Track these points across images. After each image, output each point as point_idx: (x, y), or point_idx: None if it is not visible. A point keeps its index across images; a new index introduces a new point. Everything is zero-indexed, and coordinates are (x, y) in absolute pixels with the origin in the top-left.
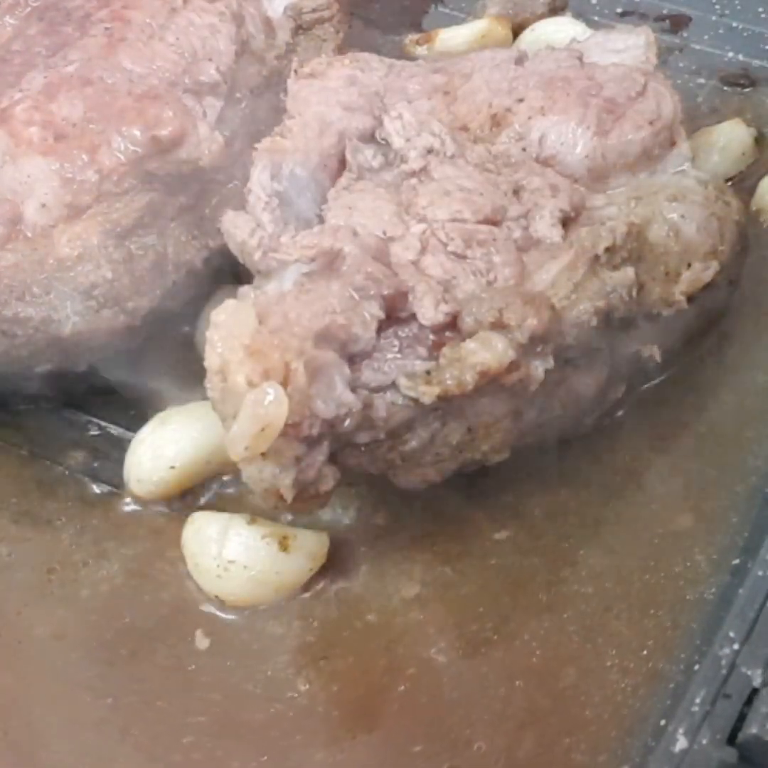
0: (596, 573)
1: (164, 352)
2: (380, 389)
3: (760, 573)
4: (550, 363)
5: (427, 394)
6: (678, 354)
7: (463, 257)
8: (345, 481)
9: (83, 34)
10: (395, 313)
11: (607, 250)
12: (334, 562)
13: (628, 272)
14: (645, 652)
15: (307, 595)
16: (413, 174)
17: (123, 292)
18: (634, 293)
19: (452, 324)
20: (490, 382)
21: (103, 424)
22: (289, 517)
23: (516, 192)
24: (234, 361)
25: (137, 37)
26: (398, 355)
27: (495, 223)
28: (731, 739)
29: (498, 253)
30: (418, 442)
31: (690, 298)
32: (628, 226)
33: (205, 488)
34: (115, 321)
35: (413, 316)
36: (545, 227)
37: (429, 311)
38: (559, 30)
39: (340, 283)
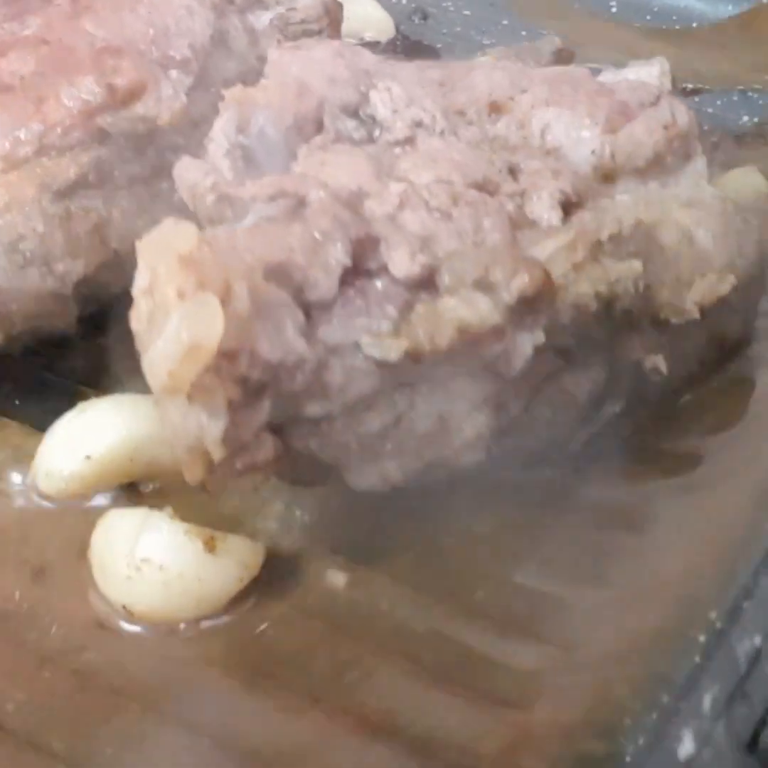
0: None
1: (98, 341)
2: (338, 350)
3: None
4: (541, 338)
5: (394, 348)
6: (683, 383)
7: (448, 216)
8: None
9: (46, 5)
10: (364, 263)
11: (612, 238)
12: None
13: (635, 265)
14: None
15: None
16: (397, 143)
17: (54, 251)
18: (640, 286)
19: (429, 281)
20: (468, 348)
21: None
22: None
23: (512, 171)
24: (164, 271)
25: (105, 6)
26: (364, 313)
27: (487, 192)
28: (751, 746)
29: (488, 215)
30: (379, 424)
31: (702, 313)
32: (637, 222)
33: (127, 493)
34: (41, 283)
35: (384, 269)
36: (543, 208)
37: (403, 261)
38: None
39: (303, 226)
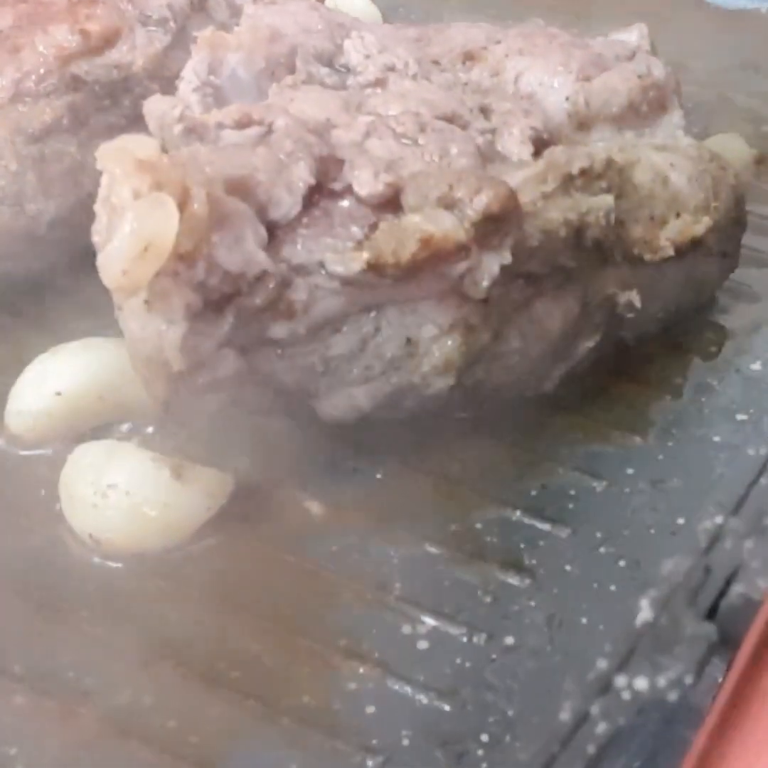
0: None
1: (72, 285)
2: (303, 269)
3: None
4: (508, 258)
5: (356, 260)
6: (658, 325)
7: (415, 142)
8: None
9: None
10: (328, 182)
11: (583, 172)
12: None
13: (607, 199)
14: None
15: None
16: (368, 85)
17: (26, 191)
18: (611, 219)
19: (394, 200)
20: (433, 266)
21: None
22: None
23: (483, 111)
24: (120, 174)
25: None
26: (328, 232)
27: (457, 126)
28: (710, 614)
29: (455, 142)
30: (346, 346)
31: (677, 252)
32: (609, 159)
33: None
34: (13, 222)
35: (349, 189)
36: (513, 144)
37: (367, 180)
38: None
39: (268, 148)
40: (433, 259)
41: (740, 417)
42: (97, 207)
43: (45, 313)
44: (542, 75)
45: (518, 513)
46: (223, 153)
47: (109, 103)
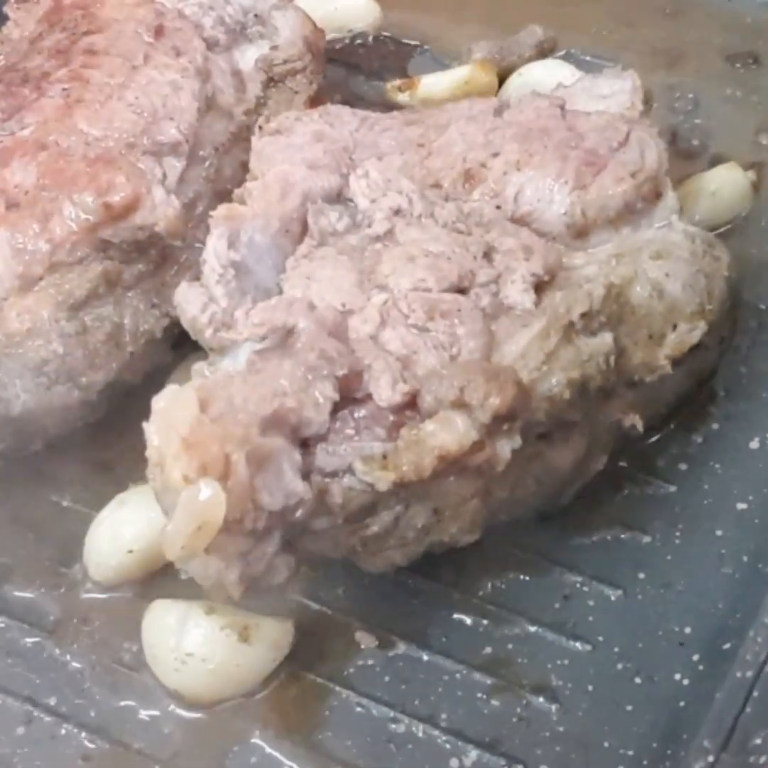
0: None
1: (127, 424)
2: (335, 474)
3: (738, 675)
4: (518, 442)
5: (383, 479)
6: (666, 418)
7: (425, 330)
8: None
9: (40, 96)
10: (351, 393)
11: (583, 315)
12: (300, 650)
13: (606, 338)
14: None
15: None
16: (378, 238)
17: (76, 367)
18: (612, 361)
19: (411, 403)
20: (451, 465)
21: (65, 503)
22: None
23: (487, 254)
24: (170, 456)
25: (95, 98)
26: (355, 437)
27: (462, 290)
28: None
29: (462, 324)
30: (380, 526)
31: (676, 362)
32: (607, 288)
33: (169, 571)
34: (68, 397)
35: (370, 396)
36: (517, 293)
37: (386, 391)
38: (548, 73)
39: (292, 362)
40: (451, 462)
41: (741, 506)
42: (150, 465)
43: (106, 458)
44: (540, 190)
45: (544, 630)
46: (252, 384)
47: (137, 255)
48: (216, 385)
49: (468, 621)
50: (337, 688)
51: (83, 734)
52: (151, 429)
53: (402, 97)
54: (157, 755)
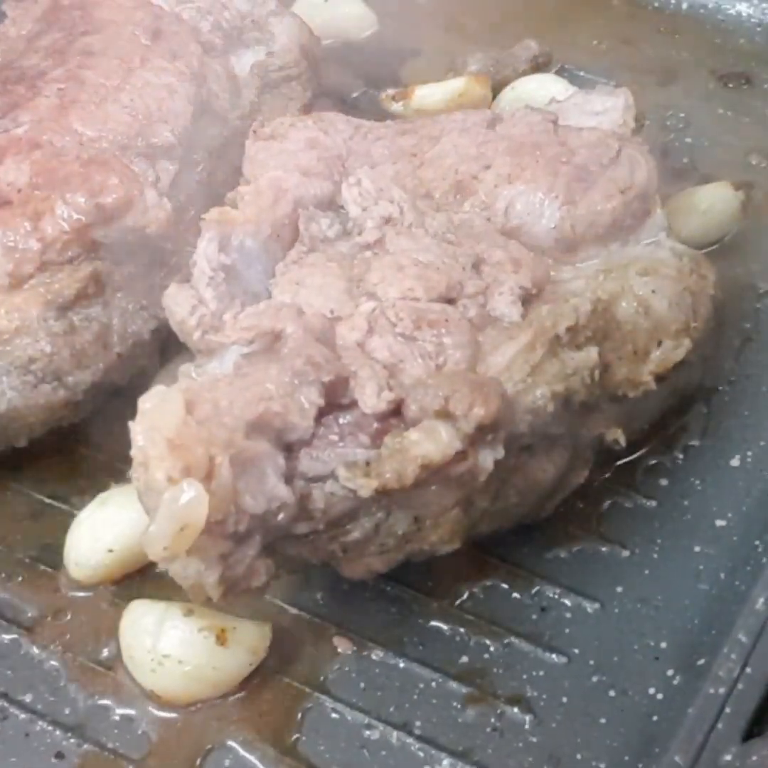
0: None
1: (111, 424)
2: (319, 479)
3: (710, 691)
4: (501, 453)
5: (365, 486)
6: (648, 434)
7: (412, 339)
8: (293, 567)
9: (35, 95)
10: (336, 399)
11: (569, 329)
12: (277, 654)
13: (591, 353)
14: None
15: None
16: (368, 247)
17: (63, 367)
18: (596, 376)
19: (396, 411)
20: (434, 474)
21: (48, 500)
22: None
23: (476, 265)
24: (154, 456)
25: (90, 99)
26: (339, 443)
27: (450, 300)
28: None
29: (449, 334)
30: (361, 532)
31: (660, 378)
32: (594, 304)
33: (148, 571)
34: (54, 396)
35: (355, 403)
36: (504, 305)
37: (371, 399)
38: (541, 88)
39: (279, 367)
40: (433, 471)
41: (719, 523)
42: (134, 464)
43: (84, 458)
44: (530, 204)
45: (521, 641)
46: (238, 387)
47: (127, 257)
48: (202, 388)
49: (445, 630)
50: (313, 693)
51: (57, 732)
52: (136, 429)
53: (396, 107)
54: (131, 755)
